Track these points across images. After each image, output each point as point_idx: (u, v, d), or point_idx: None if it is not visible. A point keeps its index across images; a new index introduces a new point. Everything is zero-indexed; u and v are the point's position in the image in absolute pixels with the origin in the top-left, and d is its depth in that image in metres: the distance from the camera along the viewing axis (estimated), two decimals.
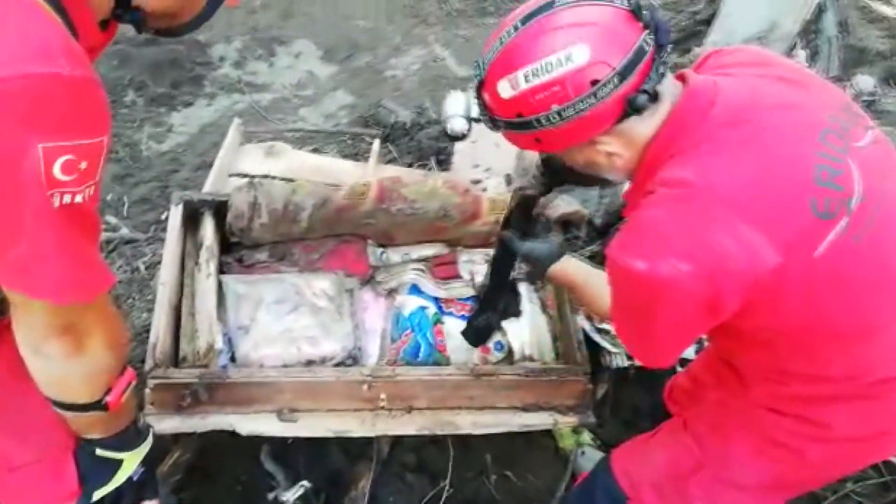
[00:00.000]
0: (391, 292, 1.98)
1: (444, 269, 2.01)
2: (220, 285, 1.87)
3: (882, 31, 4.65)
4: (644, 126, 1.09)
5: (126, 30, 1.12)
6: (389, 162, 2.77)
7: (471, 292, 1.99)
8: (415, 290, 1.97)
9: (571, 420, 1.84)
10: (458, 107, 1.15)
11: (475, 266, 2.01)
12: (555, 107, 1.03)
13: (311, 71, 4.11)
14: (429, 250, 2.02)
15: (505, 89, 1.06)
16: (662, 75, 1.05)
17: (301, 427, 1.72)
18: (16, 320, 0.99)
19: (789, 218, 1.02)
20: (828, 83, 1.19)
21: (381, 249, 2.01)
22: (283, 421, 1.72)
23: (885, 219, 1.07)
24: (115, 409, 1.11)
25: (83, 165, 0.86)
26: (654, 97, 1.04)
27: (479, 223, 1.99)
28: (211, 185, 2.23)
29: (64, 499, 1.20)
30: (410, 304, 1.94)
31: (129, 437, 1.21)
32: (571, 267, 1.48)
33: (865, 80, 4.55)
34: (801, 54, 4.77)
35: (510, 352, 1.94)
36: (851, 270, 1.07)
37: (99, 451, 1.18)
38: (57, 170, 0.84)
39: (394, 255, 2.01)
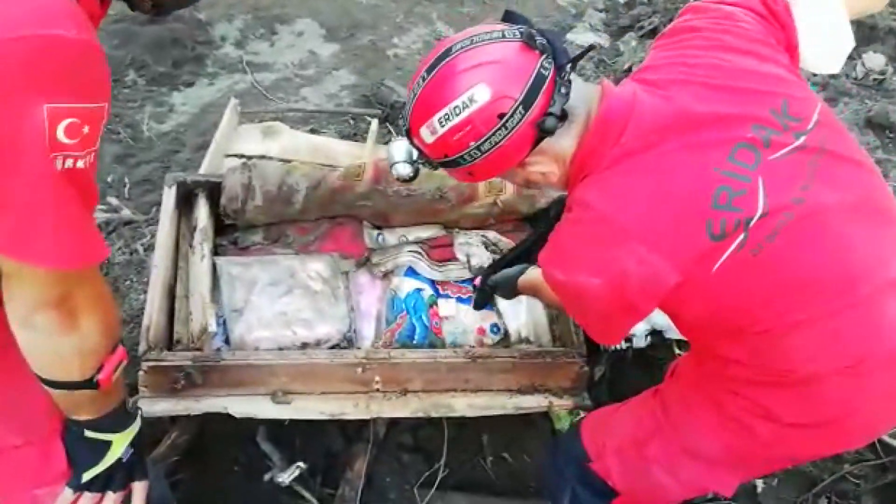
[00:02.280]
0: (387, 274, 1.95)
1: (440, 252, 1.98)
2: (214, 267, 1.85)
3: (894, 8, 4.53)
4: (565, 141, 1.16)
5: (127, 8, 1.10)
6: (388, 142, 2.73)
7: (467, 275, 1.97)
8: (411, 272, 1.95)
9: (567, 402, 1.82)
10: (401, 153, 1.23)
11: (471, 248, 1.98)
12: (472, 143, 1.11)
13: (313, 50, 4.05)
14: (425, 232, 1.99)
15: (427, 135, 1.15)
16: (566, 95, 1.11)
17: (295, 410, 1.71)
18: (7, 292, 0.96)
19: (685, 242, 1.08)
20: (770, 75, 1.16)
21: (376, 231, 1.98)
22: (277, 403, 1.71)
23: (796, 226, 1.08)
24: (106, 388, 1.09)
25: (86, 130, 0.86)
26: (563, 117, 1.11)
27: (475, 205, 1.96)
28: (207, 167, 2.21)
29: (52, 481, 1.19)
30: (406, 286, 1.91)
31: (118, 419, 1.19)
32: (532, 275, 1.56)
33: (875, 59, 4.46)
34: None
35: (506, 334, 1.92)
36: (749, 281, 1.10)
37: (88, 433, 1.17)
38: (61, 132, 0.84)
39: (390, 237, 1.98)
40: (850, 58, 4.55)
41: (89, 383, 1.07)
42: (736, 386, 1.24)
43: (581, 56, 1.18)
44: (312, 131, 2.95)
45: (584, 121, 1.15)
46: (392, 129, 2.86)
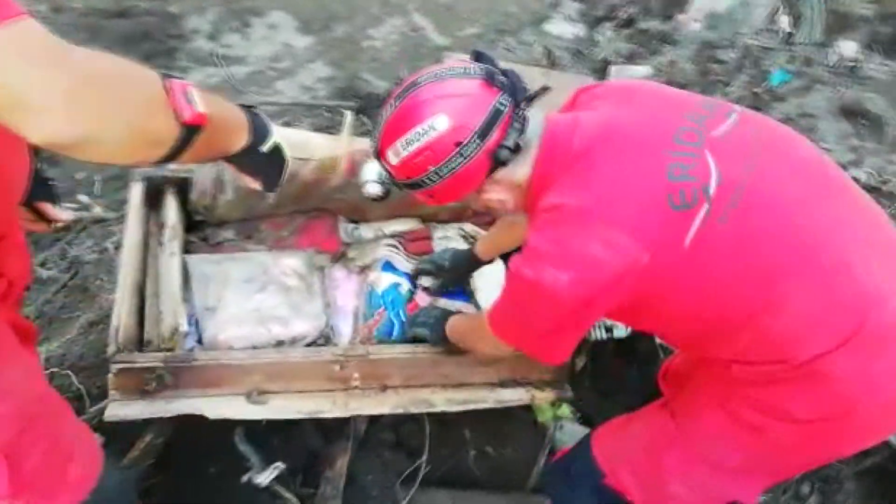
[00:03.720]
0: (363, 269, 1.89)
1: (417, 245, 1.92)
2: (185, 265, 1.78)
3: None
4: (519, 171, 1.23)
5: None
6: (364, 134, 2.66)
7: None
8: (388, 266, 1.89)
9: (548, 395, 1.78)
10: (372, 173, 1.33)
11: (450, 242, 1.92)
12: (431, 168, 1.19)
13: (288, 42, 3.96)
14: (402, 225, 1.93)
15: (392, 157, 1.23)
16: (521, 130, 1.19)
17: (271, 409, 1.64)
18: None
19: (650, 215, 1.11)
20: (684, 92, 1.33)
21: (352, 225, 1.92)
22: (253, 403, 1.64)
23: (754, 193, 1.11)
24: (204, 120, 0.87)
25: None
26: (516, 149, 1.19)
27: None
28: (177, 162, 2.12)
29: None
30: (384, 281, 1.85)
31: (261, 123, 1.10)
32: (456, 325, 1.63)
33: (848, 46, 4.46)
34: (784, 20, 4.66)
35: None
36: (726, 251, 1.11)
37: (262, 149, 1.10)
38: None
39: (366, 230, 1.92)
40: (823, 45, 4.57)
41: (188, 130, 0.87)
42: (742, 389, 1.21)
43: (536, 96, 1.25)
44: (286, 124, 2.87)
45: (536, 148, 1.23)
46: (368, 121, 2.79)
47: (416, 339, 1.75)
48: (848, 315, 1.10)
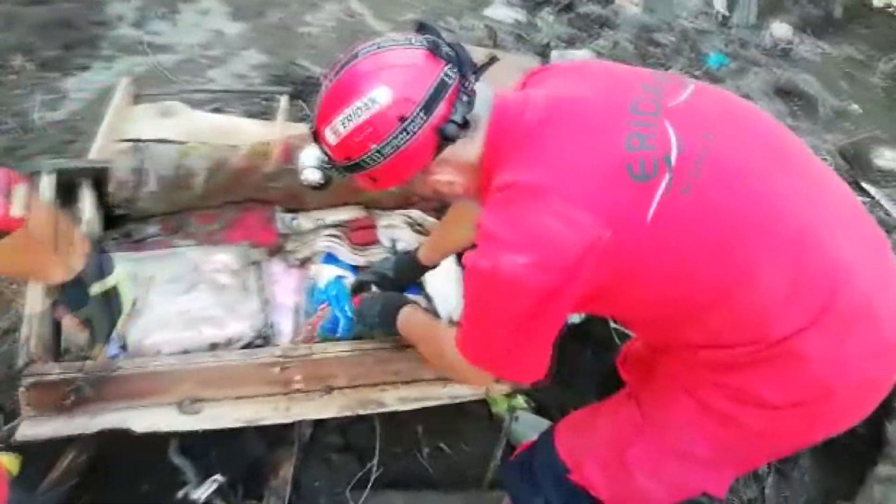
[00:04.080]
0: (304, 262, 1.75)
1: (361, 235, 1.79)
2: None
3: None
4: (468, 150, 1.13)
5: None
6: (301, 120, 2.51)
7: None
8: (330, 258, 1.75)
9: (503, 387, 1.67)
10: (311, 159, 1.21)
11: (395, 231, 1.80)
12: (373, 146, 1.07)
13: (220, 29, 3.76)
14: (344, 214, 1.80)
15: (330, 137, 1.11)
16: (470, 104, 1.09)
17: (206, 419, 1.49)
18: None
19: (609, 188, 1.02)
20: (638, 67, 1.27)
21: (290, 215, 1.77)
22: (185, 414, 1.49)
23: (716, 162, 1.04)
24: (15, 224, 0.79)
25: None
26: (465, 125, 1.08)
27: None
28: (97, 153, 1.93)
29: None
30: (326, 274, 1.72)
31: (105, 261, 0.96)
32: (411, 323, 1.49)
33: (782, 28, 4.51)
34: (719, 3, 4.68)
35: (437, 318, 1.76)
36: (691, 224, 1.03)
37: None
38: None
39: (305, 220, 1.77)
40: (758, 28, 4.61)
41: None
42: (713, 375, 1.14)
43: (485, 67, 1.15)
44: (216, 111, 2.69)
45: (486, 124, 1.13)
46: (305, 107, 2.63)
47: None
48: (818, 288, 1.04)
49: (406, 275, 1.70)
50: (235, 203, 1.74)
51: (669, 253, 1.04)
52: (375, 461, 1.81)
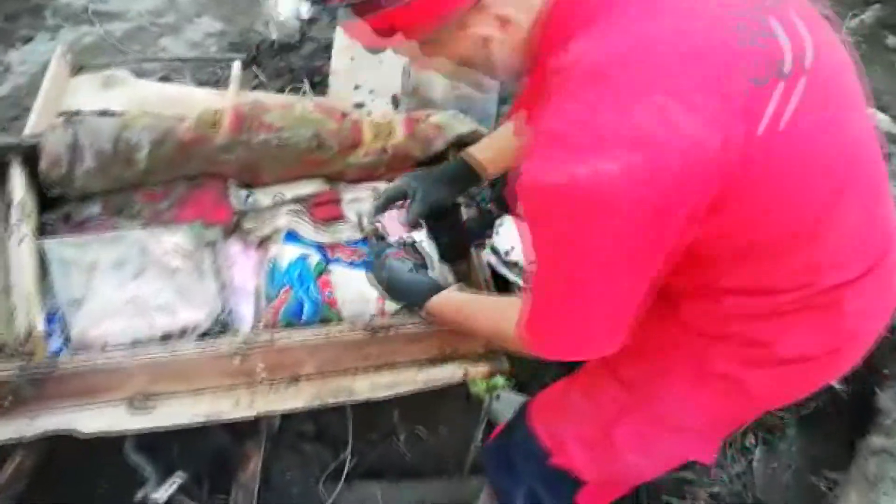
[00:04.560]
0: (263, 242, 1.59)
1: (325, 210, 1.63)
2: (41, 251, 1.43)
3: None
4: (520, 2, 0.85)
5: None
6: (256, 88, 2.32)
7: (359, 235, 1.64)
8: (292, 237, 1.59)
9: (482, 369, 1.56)
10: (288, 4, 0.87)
11: (362, 205, 1.65)
12: None
13: None
14: (305, 188, 1.64)
15: None
16: None
17: (160, 417, 1.35)
18: None
19: (719, 85, 0.76)
20: None
21: (246, 191, 1.61)
22: (137, 412, 1.35)
23: (821, 82, 0.83)
24: None
25: None
26: None
27: (361, 152, 1.62)
28: (32, 129, 1.74)
29: None
30: (288, 253, 1.56)
31: None
32: (452, 304, 1.25)
33: None
34: None
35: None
36: (800, 147, 0.82)
37: None
38: None
39: (263, 196, 1.61)
40: None
41: None
42: (729, 327, 1.00)
43: None
44: (164, 79, 2.48)
45: None
46: (260, 74, 2.44)
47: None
48: (879, 240, 0.95)
49: (456, 184, 1.42)
50: (186, 178, 1.57)
51: (778, 177, 0.82)
52: (349, 450, 1.69)
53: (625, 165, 0.73)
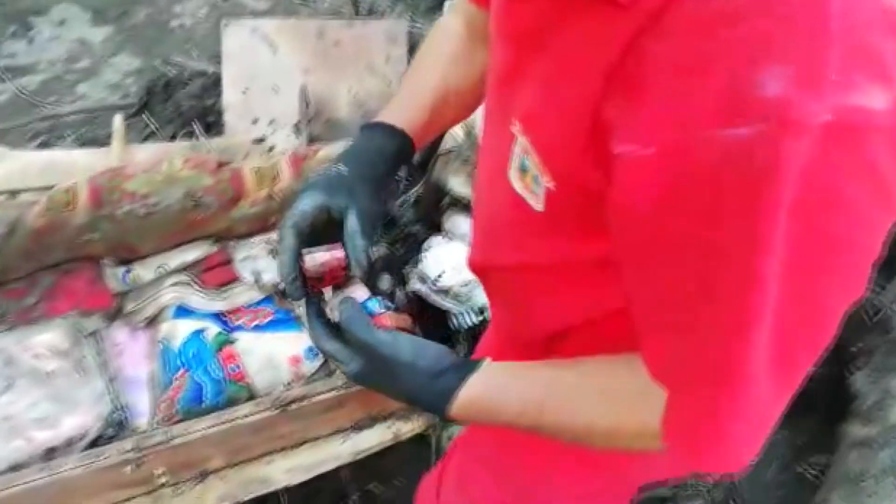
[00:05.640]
0: (151, 322, 1.39)
1: (217, 274, 1.42)
2: None
3: None
4: None
5: None
6: (148, 138, 2.09)
7: (261, 295, 1.43)
8: (183, 311, 1.38)
9: (417, 424, 1.36)
10: None
11: (258, 262, 1.43)
12: None
13: (83, 38, 3.25)
14: (191, 253, 1.42)
15: None
16: None
17: None
18: None
19: None
20: None
21: (124, 268, 1.39)
22: None
23: None
24: None
25: None
26: None
27: (246, 204, 1.40)
28: None
29: None
30: (181, 330, 1.36)
31: None
32: (502, 395, 0.68)
33: None
34: None
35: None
36: None
37: None
38: None
39: (144, 270, 1.40)
40: None
41: None
42: None
43: None
44: (42, 145, 2.26)
45: None
46: (151, 122, 2.19)
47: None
48: None
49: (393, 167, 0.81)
50: (50, 267, 1.35)
51: None
52: None
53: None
